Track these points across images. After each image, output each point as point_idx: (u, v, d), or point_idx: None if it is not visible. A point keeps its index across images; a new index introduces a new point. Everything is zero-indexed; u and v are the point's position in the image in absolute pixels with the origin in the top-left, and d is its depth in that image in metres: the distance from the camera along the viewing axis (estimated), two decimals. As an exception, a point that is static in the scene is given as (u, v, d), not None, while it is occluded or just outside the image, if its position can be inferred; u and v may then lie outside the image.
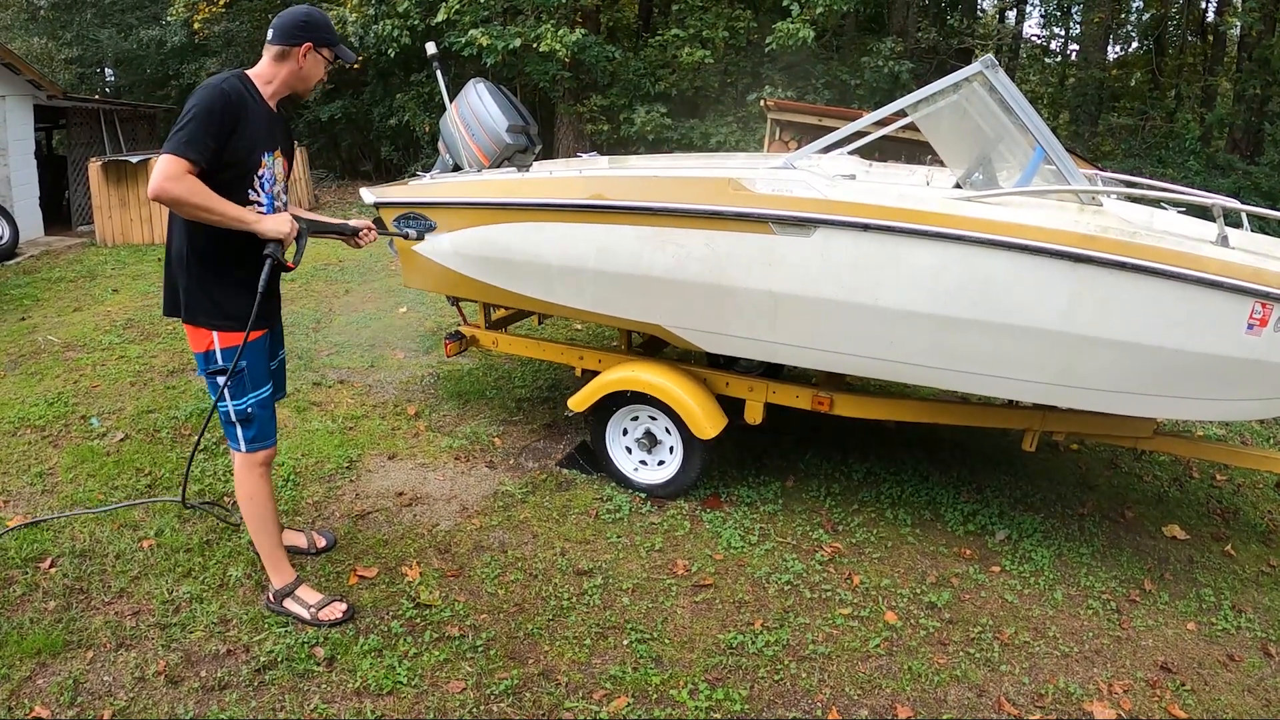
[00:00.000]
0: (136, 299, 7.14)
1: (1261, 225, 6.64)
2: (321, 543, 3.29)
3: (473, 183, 3.83)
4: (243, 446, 2.76)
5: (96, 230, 10.19)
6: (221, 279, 2.64)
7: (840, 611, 3.04)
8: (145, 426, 4.34)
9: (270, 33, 2.65)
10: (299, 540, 3.26)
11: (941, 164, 4.00)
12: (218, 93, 2.48)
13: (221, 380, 2.68)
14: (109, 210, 10.04)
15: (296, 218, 2.67)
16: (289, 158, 2.86)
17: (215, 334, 2.67)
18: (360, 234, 2.99)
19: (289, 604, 2.87)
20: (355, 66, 2.68)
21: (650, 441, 3.78)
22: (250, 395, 2.73)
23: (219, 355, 2.69)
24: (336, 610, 2.86)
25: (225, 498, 3.62)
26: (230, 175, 2.54)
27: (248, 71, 2.66)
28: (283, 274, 2.79)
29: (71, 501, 3.55)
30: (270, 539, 2.88)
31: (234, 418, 2.74)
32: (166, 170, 2.37)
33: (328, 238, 3.01)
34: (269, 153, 2.66)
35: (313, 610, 2.85)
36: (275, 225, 2.57)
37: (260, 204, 2.65)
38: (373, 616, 2.89)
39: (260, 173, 2.63)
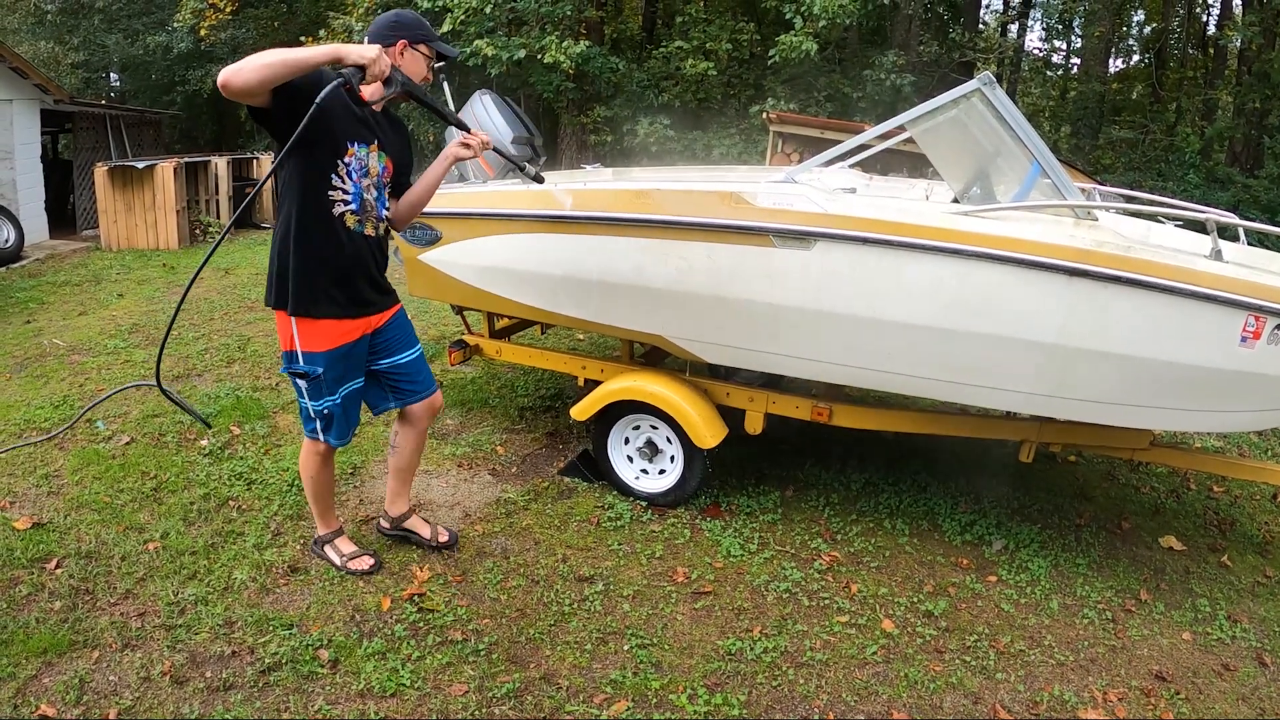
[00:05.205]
0: (141, 304, 7.19)
1: (1260, 239, 6.68)
2: (444, 537, 3.37)
3: (478, 193, 3.88)
4: (317, 435, 2.93)
5: (101, 235, 10.26)
6: (307, 259, 2.65)
7: (838, 619, 3.07)
8: (150, 430, 4.37)
9: (364, 40, 2.70)
10: (424, 530, 3.36)
11: (941, 178, 4.04)
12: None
13: (301, 383, 2.79)
14: (114, 215, 10.11)
15: (395, 69, 2.56)
16: (399, 163, 2.86)
17: (294, 321, 2.69)
18: (469, 134, 2.85)
19: (328, 550, 3.18)
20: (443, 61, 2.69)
21: (651, 450, 3.82)
22: (326, 398, 2.83)
23: (300, 357, 2.73)
24: (364, 562, 3.13)
25: (230, 501, 3.66)
26: (318, 155, 2.57)
27: None
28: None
29: (78, 504, 3.59)
30: (322, 502, 3.13)
31: (311, 414, 2.88)
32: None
33: (431, 114, 2.78)
34: (363, 144, 2.68)
35: (344, 559, 3.13)
36: (360, 51, 2.42)
37: (345, 192, 2.66)
38: (376, 620, 2.92)
39: (346, 159, 2.63)
